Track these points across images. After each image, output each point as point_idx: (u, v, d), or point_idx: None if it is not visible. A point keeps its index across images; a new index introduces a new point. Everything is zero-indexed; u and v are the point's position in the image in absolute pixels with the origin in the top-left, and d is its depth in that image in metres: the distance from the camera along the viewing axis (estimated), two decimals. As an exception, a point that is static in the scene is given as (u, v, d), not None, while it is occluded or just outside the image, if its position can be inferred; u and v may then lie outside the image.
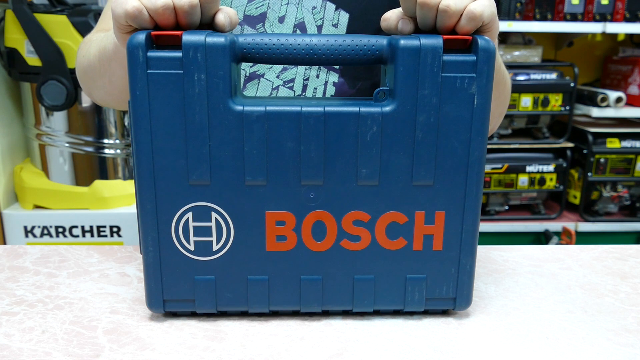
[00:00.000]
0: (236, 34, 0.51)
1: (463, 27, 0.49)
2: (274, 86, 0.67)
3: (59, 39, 1.45)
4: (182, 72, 0.48)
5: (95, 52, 0.65)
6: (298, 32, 0.66)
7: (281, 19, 0.65)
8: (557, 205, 2.29)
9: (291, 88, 0.67)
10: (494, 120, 0.72)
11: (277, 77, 0.66)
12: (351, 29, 0.67)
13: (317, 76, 0.67)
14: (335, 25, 0.66)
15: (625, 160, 2.15)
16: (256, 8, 0.65)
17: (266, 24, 0.65)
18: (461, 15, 0.49)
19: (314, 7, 0.66)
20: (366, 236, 0.52)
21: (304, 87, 0.67)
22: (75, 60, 0.72)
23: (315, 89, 0.67)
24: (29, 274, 0.64)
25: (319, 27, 0.66)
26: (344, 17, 0.66)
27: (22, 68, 1.50)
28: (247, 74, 0.67)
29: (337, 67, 0.67)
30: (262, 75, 0.67)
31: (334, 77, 0.67)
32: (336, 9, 0.66)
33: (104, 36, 0.64)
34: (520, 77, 2.07)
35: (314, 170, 0.50)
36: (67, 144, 1.55)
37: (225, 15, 0.51)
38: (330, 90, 0.68)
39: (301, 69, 0.66)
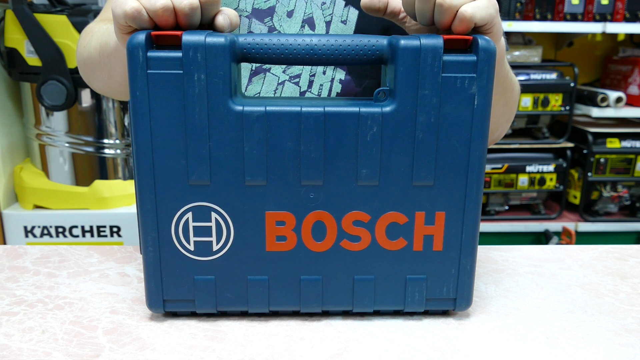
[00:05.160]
0: (236, 34, 0.51)
1: (456, 27, 0.50)
2: (279, 81, 0.66)
3: (59, 39, 1.45)
4: (182, 72, 0.48)
5: (96, 46, 0.65)
6: (306, 27, 0.66)
7: (290, 14, 0.65)
8: (557, 205, 2.29)
9: (297, 84, 0.67)
10: (502, 126, 0.71)
11: (284, 72, 0.66)
12: (360, 26, 0.66)
13: (324, 72, 0.67)
14: (344, 22, 0.66)
15: (625, 160, 2.15)
16: (265, 2, 0.65)
17: (274, 18, 0.65)
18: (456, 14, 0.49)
19: (324, 3, 0.65)
20: (366, 236, 0.52)
21: (310, 83, 0.67)
22: (76, 48, 0.73)
23: (321, 85, 0.67)
24: (29, 274, 0.64)
25: (328, 23, 0.66)
26: (353, 13, 0.66)
27: (22, 68, 1.50)
28: (253, 68, 0.66)
29: None
30: (269, 70, 0.66)
31: (340, 75, 0.67)
32: (345, 5, 0.66)
33: (105, 30, 0.64)
34: (520, 77, 2.07)
35: (314, 171, 0.50)
36: (67, 144, 1.55)
37: (225, 17, 0.51)
38: (337, 88, 0.68)
39: None
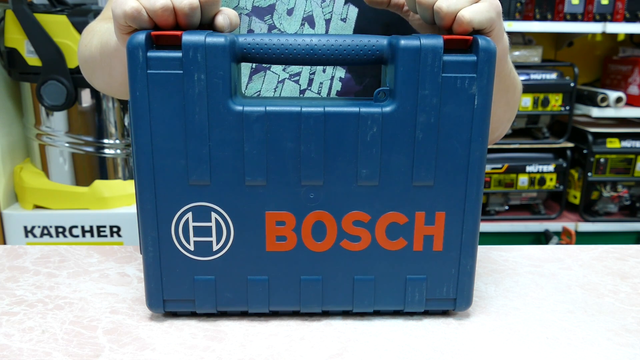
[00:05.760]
0: (236, 34, 0.51)
1: (455, 30, 0.50)
2: (279, 79, 0.66)
3: (59, 39, 1.45)
4: (182, 72, 0.48)
5: (96, 45, 0.66)
6: (306, 25, 0.66)
7: (290, 12, 0.65)
8: (557, 205, 2.29)
9: (297, 82, 0.67)
10: (503, 125, 0.71)
11: (284, 70, 0.66)
12: (360, 24, 0.66)
13: (324, 71, 0.67)
14: (343, 20, 0.66)
15: (625, 160, 2.15)
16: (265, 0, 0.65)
17: (274, 16, 0.65)
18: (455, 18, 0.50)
19: (323, 1, 0.66)
20: (366, 236, 0.52)
21: (310, 81, 0.67)
22: (78, 47, 0.73)
23: (321, 83, 0.67)
24: (29, 274, 0.64)
25: (327, 21, 0.66)
26: (352, 11, 0.66)
27: (22, 68, 1.50)
28: (254, 66, 0.67)
29: None
30: (269, 68, 0.67)
31: (340, 73, 0.67)
32: (345, 3, 0.66)
33: (106, 29, 0.64)
34: (521, 77, 2.06)
35: (314, 171, 0.50)
36: (67, 144, 1.55)
37: (225, 17, 0.51)
38: (337, 86, 0.68)
39: None
